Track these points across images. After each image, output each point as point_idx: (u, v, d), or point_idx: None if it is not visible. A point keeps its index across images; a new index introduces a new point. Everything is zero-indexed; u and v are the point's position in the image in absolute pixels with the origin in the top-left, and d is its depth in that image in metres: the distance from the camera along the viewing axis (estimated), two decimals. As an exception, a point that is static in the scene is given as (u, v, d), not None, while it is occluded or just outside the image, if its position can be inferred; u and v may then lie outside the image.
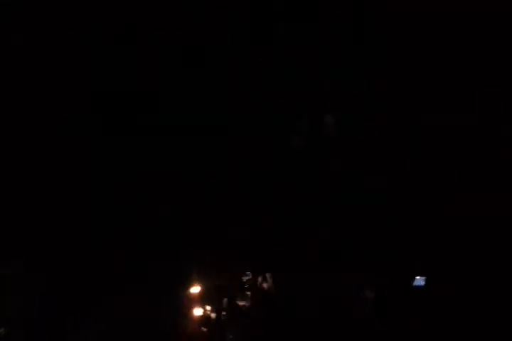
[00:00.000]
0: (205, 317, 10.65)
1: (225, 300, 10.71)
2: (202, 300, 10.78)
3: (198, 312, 10.69)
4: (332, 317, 10.24)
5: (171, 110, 10.87)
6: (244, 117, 10.90)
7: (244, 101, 10.86)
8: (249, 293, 10.71)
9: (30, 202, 10.75)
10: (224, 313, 10.64)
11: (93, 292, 10.67)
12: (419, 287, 10.04)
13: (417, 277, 10.06)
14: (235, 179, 10.83)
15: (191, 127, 10.80)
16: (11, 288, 10.30)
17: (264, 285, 10.69)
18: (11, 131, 10.50)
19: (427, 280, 10.05)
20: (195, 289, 10.82)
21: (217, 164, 10.76)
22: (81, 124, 10.76)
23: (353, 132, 10.58)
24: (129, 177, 10.87)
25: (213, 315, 10.64)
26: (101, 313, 10.58)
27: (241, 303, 10.68)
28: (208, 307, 10.72)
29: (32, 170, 10.63)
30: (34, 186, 10.68)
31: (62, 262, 10.63)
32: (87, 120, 10.76)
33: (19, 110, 10.54)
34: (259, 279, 10.72)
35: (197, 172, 10.75)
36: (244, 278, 10.76)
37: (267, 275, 10.71)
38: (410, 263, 10.17)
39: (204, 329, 10.62)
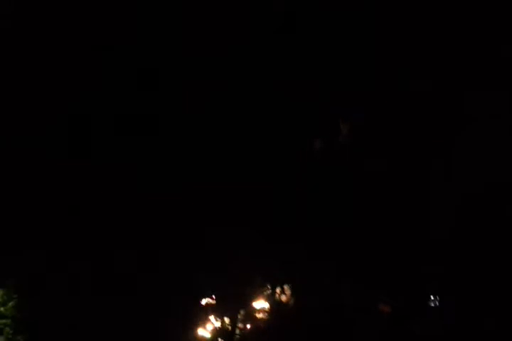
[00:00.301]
0: (222, 328, 10.60)
1: (243, 311, 10.66)
2: (219, 311, 10.72)
3: (215, 323, 10.63)
4: (349, 329, 10.34)
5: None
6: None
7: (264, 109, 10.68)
8: (267, 304, 10.70)
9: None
10: (241, 325, 10.61)
11: (105, 297, 10.50)
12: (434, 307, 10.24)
13: (432, 296, 10.24)
14: (254, 189, 10.64)
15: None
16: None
17: (283, 297, 10.66)
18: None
19: (440, 300, 10.21)
20: (212, 300, 10.76)
21: (239, 173, 10.54)
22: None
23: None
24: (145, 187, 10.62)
25: (231, 327, 10.59)
26: (113, 320, 10.45)
27: (259, 315, 10.66)
28: (226, 319, 10.67)
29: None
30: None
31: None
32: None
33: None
34: (278, 291, 10.69)
35: (218, 182, 10.50)
36: (263, 290, 10.72)
37: (285, 286, 10.68)
38: (426, 281, 10.32)
39: (221, 341, 10.61)
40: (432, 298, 10.30)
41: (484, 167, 9.81)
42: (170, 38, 10.45)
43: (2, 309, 9.91)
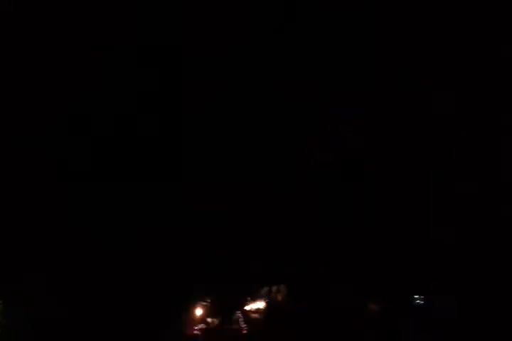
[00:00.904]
0: (217, 328, 10.49)
1: (238, 311, 10.57)
2: (214, 311, 10.56)
3: (210, 323, 10.49)
4: (341, 328, 10.53)
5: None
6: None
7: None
8: (262, 304, 10.65)
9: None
10: (236, 325, 10.52)
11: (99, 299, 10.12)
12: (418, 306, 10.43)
13: (416, 296, 10.41)
14: (253, 193, 10.43)
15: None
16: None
17: (278, 296, 10.63)
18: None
19: (426, 300, 10.39)
20: (206, 300, 10.56)
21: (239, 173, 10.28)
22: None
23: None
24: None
25: (226, 327, 10.49)
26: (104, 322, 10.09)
27: (254, 315, 10.61)
28: (220, 319, 10.54)
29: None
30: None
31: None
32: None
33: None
34: (273, 290, 10.63)
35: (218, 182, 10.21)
36: (258, 290, 10.64)
37: (281, 286, 10.64)
38: (411, 282, 10.56)
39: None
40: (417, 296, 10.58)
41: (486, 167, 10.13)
42: (170, 38, 10.11)
43: (-13, 315, 9.39)
